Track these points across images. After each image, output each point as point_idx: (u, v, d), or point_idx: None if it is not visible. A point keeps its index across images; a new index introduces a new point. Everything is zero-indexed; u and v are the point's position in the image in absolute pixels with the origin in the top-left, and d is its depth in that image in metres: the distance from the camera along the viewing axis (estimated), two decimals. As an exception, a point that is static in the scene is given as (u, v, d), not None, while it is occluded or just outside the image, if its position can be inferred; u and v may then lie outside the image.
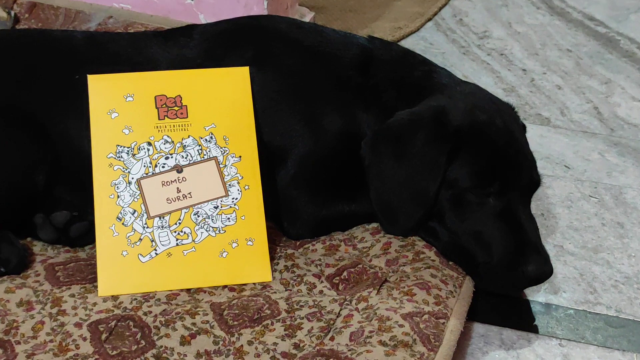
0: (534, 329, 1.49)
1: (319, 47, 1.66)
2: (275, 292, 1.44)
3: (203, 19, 2.08)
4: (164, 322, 1.35)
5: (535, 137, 2.01)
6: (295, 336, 1.35)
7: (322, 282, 1.48)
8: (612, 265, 1.64)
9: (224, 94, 1.55)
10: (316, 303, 1.42)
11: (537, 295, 1.56)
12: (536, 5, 2.71)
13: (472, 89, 1.64)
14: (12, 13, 2.09)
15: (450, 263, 1.51)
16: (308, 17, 2.29)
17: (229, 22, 1.73)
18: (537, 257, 1.44)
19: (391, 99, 1.61)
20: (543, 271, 1.45)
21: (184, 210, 1.48)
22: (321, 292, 1.46)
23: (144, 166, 1.49)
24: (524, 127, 1.61)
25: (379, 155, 1.53)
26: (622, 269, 1.63)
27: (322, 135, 1.59)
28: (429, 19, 2.55)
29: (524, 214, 1.48)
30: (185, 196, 1.49)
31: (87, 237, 1.52)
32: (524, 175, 1.50)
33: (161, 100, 1.52)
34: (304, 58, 1.65)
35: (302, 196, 1.58)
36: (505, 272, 1.45)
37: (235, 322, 1.37)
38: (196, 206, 1.49)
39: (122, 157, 1.49)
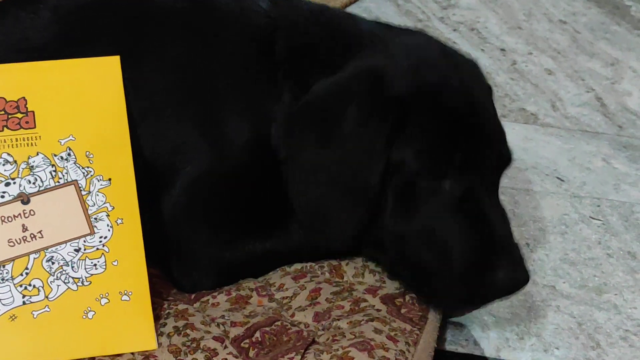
0: (517, 401, 1.50)
1: (210, 26, 1.65)
2: (161, 364, 1.43)
3: None
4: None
5: (519, 140, 2.04)
6: None
7: (225, 347, 1.46)
8: (620, 311, 1.66)
9: (85, 95, 1.53)
10: (217, 377, 1.41)
11: (520, 354, 1.57)
12: (518, -39, 2.75)
13: (418, 40, 1.66)
14: None
15: (403, 311, 1.51)
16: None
17: None
18: (508, 259, 1.45)
19: (309, 74, 1.60)
20: (515, 278, 1.45)
21: (32, 256, 1.45)
22: (225, 361, 1.45)
23: None
24: (489, 89, 1.63)
25: (299, 143, 1.53)
26: (634, 314, 1.65)
27: (224, 147, 1.58)
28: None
29: (490, 202, 1.49)
30: (35, 236, 1.46)
31: None
32: (489, 150, 1.50)
33: None
34: (192, 43, 1.64)
35: (199, 232, 1.58)
36: (467, 282, 1.46)
37: (105, 409, 1.35)
38: (50, 250, 1.46)
39: None
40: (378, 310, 1.51)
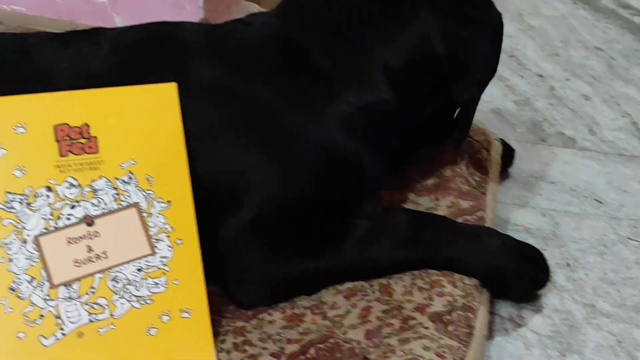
0: (561, 416, 1.52)
1: (253, 57, 1.69)
2: (221, 378, 1.45)
3: (119, 21, 2.11)
4: None
5: (558, 164, 2.06)
6: None
7: None
8: None
9: (145, 120, 1.55)
10: (274, 391, 1.43)
11: None
12: (555, -10, 2.77)
13: None
14: None
15: (450, 329, 1.53)
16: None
17: (141, 29, 1.74)
18: None
19: (353, 81, 1.68)
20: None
21: (97, 276, 1.48)
22: (281, 376, 1.47)
23: (44, 219, 1.48)
24: None
25: None
26: None
27: (292, 166, 1.61)
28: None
29: None
30: (99, 257, 1.49)
31: None
32: None
33: (62, 130, 1.52)
34: (242, 73, 1.67)
35: (258, 250, 1.59)
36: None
37: (169, 420, 1.38)
38: (114, 269, 1.49)
39: (13, 207, 1.48)
40: (426, 327, 1.52)
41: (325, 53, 1.69)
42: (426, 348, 1.48)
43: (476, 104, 1.79)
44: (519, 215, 1.92)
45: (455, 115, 1.84)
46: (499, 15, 1.81)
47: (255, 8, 2.33)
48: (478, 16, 1.76)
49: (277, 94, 1.66)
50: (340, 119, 1.65)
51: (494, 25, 1.80)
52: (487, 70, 1.80)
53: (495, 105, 2.26)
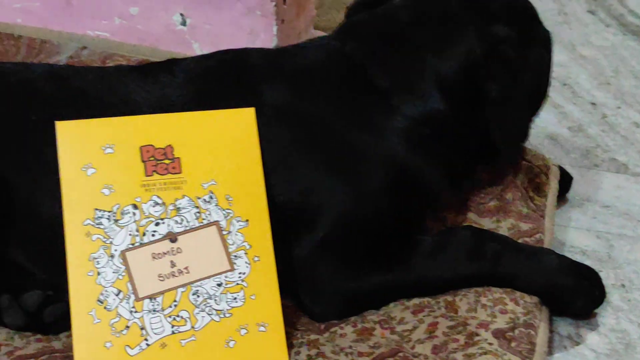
0: None
1: (316, 79, 1.75)
2: (297, 388, 1.49)
3: (198, 48, 2.13)
4: None
5: (611, 189, 2.08)
6: None
7: None
8: None
9: (225, 143, 1.60)
10: (348, 400, 1.46)
11: None
12: (605, 22, 2.77)
13: None
14: None
15: (513, 345, 1.55)
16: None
17: (212, 57, 1.79)
18: None
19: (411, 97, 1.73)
20: None
21: (180, 290, 1.52)
22: (354, 387, 1.50)
23: (130, 235, 1.53)
24: None
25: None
26: None
27: (359, 183, 1.66)
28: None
29: None
30: (182, 272, 1.53)
31: (63, 321, 1.54)
32: None
33: (148, 151, 1.57)
34: (308, 95, 1.72)
35: (330, 265, 1.62)
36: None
37: None
38: (195, 284, 1.53)
39: (102, 223, 1.52)
40: (490, 344, 1.54)
41: (381, 70, 1.74)
42: (492, 364, 1.51)
43: (514, 120, 1.80)
44: (575, 238, 1.94)
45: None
46: (547, 32, 1.87)
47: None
48: (527, 37, 1.79)
49: (339, 113, 1.70)
50: (399, 132, 1.70)
51: (544, 43, 1.85)
52: (530, 90, 1.82)
53: (550, 132, 2.27)
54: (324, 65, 1.77)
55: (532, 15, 1.83)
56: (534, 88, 1.81)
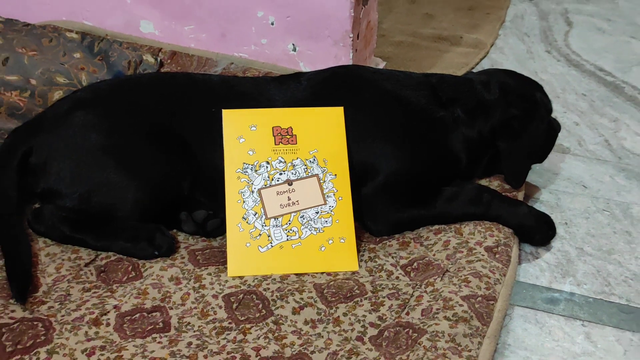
0: (562, 313, 1.52)
1: (397, 89, 1.71)
2: (362, 277, 1.50)
3: (302, 65, 2.12)
4: (279, 297, 1.42)
5: (559, 163, 2.03)
6: (379, 310, 1.41)
7: (397, 270, 1.52)
8: (622, 265, 1.65)
9: (324, 127, 1.60)
10: (394, 286, 1.47)
11: (564, 287, 1.58)
12: (556, 58, 2.73)
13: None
14: (158, 59, 2.16)
15: (497, 256, 1.53)
16: (381, 65, 2.34)
17: (327, 71, 1.77)
18: None
19: (458, 113, 1.70)
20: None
21: (292, 214, 1.54)
22: (397, 277, 1.50)
23: (264, 179, 1.55)
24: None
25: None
26: (630, 267, 1.65)
27: (414, 155, 1.63)
28: (472, 68, 2.59)
29: None
30: (294, 203, 1.54)
31: (219, 230, 1.58)
32: None
33: (277, 130, 1.58)
34: (388, 98, 1.69)
35: (385, 202, 1.60)
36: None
37: (333, 299, 1.43)
38: (302, 211, 1.54)
39: (247, 172, 1.55)
40: (482, 255, 1.53)
41: (446, 93, 1.72)
42: (483, 267, 1.50)
43: (514, 164, 1.76)
44: (537, 193, 1.90)
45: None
46: (550, 119, 1.84)
47: (380, 61, 2.35)
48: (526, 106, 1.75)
49: (411, 109, 1.68)
50: (449, 131, 1.69)
51: (539, 121, 1.78)
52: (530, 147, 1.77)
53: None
54: (410, 82, 1.74)
55: (535, 102, 1.77)
56: (531, 147, 1.76)
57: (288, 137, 1.58)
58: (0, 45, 1.97)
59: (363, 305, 1.42)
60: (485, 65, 2.64)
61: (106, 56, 2.07)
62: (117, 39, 2.20)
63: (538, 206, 1.83)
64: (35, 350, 1.27)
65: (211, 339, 1.33)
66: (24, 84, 1.89)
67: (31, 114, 1.84)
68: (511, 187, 1.77)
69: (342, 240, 1.54)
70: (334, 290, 1.45)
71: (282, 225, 1.53)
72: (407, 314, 1.40)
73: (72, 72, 1.99)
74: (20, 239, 1.49)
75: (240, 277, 1.47)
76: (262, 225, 1.52)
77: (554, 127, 1.86)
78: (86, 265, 1.49)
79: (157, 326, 1.35)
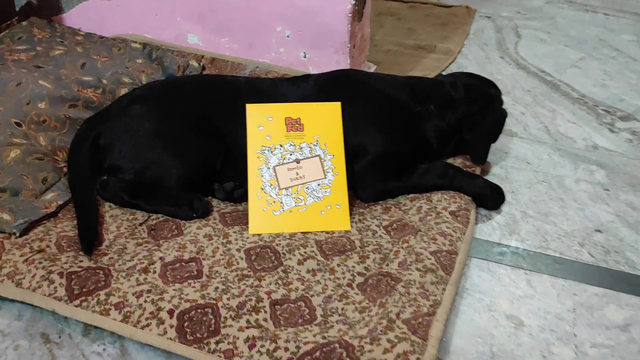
0: (509, 263, 1.43)
1: (384, 88, 1.61)
2: (352, 235, 1.42)
3: (311, 69, 2.03)
4: (288, 250, 1.34)
5: (508, 144, 1.92)
6: (365, 262, 1.33)
7: (380, 229, 1.44)
8: (556, 225, 1.56)
9: (326, 118, 1.51)
10: (377, 243, 1.39)
11: (511, 242, 1.50)
12: (508, 62, 2.59)
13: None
14: (201, 64, 2.09)
15: (459, 218, 1.44)
16: (373, 68, 2.23)
17: (330, 73, 1.67)
18: None
19: (431, 108, 1.59)
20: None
21: (300, 186, 1.46)
22: (380, 236, 1.42)
23: (277, 159, 1.46)
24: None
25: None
26: (563, 227, 1.56)
27: (396, 139, 1.54)
28: (443, 70, 2.46)
29: None
30: (301, 177, 1.46)
31: (243, 198, 1.50)
32: None
33: (288, 120, 1.49)
34: (377, 95, 1.59)
35: (372, 175, 1.52)
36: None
37: (330, 252, 1.35)
38: (307, 184, 1.46)
39: (265, 152, 1.47)
40: (447, 218, 1.45)
41: (422, 92, 1.61)
42: (447, 227, 1.42)
43: (478, 146, 1.64)
44: (491, 169, 1.79)
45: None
46: (501, 110, 1.67)
47: (372, 65, 2.23)
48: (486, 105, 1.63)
49: (394, 104, 1.58)
50: (422, 120, 1.57)
51: (494, 112, 1.64)
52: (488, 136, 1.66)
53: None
54: (394, 83, 1.63)
55: (490, 99, 1.64)
56: (490, 133, 1.65)
57: (297, 125, 1.50)
58: (80, 53, 1.93)
59: (353, 257, 1.34)
60: (453, 68, 2.51)
61: (161, 62, 2.02)
62: (170, 48, 2.14)
63: (491, 178, 1.73)
64: (96, 293, 1.20)
65: (233, 285, 1.25)
66: (97, 83, 1.81)
67: (102, 106, 1.76)
68: (473, 164, 1.67)
69: (338, 206, 1.46)
70: (330, 246, 1.37)
71: (291, 195, 1.45)
72: (387, 265, 1.32)
73: (134, 74, 1.92)
74: (91, 203, 1.42)
75: (259, 235, 1.40)
76: (276, 195, 1.45)
77: (504, 115, 1.73)
78: (140, 224, 1.42)
79: (192, 274, 1.27)
